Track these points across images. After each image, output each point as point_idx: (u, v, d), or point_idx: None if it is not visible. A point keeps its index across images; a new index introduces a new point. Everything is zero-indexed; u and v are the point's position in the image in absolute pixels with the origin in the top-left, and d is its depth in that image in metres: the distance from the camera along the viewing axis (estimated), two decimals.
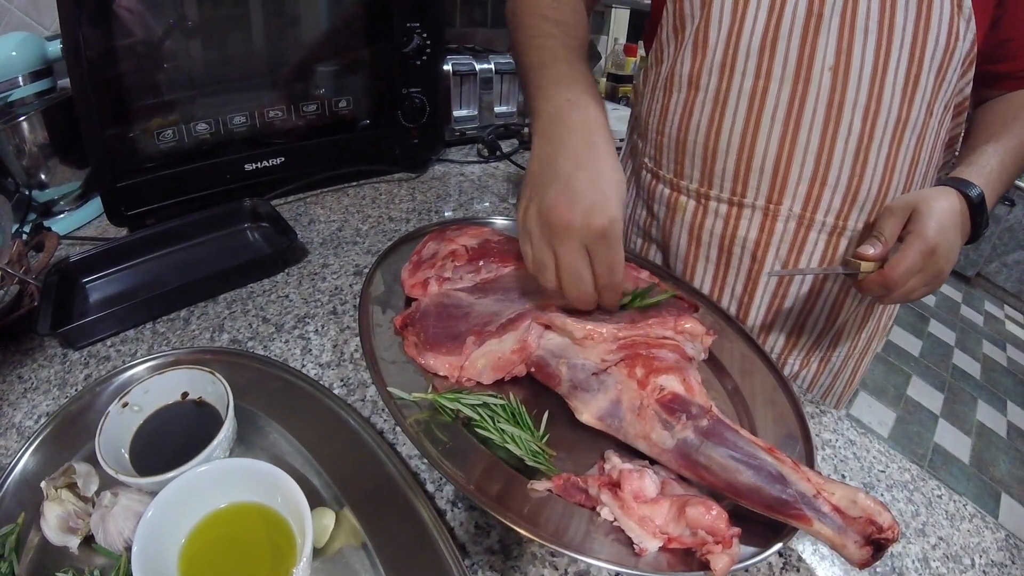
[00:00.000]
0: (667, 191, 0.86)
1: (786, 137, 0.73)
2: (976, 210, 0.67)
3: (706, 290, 0.85)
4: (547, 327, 0.60)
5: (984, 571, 0.57)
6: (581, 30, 0.77)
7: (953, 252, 0.65)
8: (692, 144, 0.80)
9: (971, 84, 0.75)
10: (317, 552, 0.49)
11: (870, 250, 0.66)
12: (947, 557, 0.58)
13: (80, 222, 1.03)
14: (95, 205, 1.05)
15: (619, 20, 2.06)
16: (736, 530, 0.45)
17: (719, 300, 0.84)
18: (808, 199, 0.75)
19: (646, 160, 0.89)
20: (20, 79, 0.96)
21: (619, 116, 1.46)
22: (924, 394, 2.98)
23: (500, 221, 0.89)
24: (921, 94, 0.70)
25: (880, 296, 0.67)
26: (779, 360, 0.89)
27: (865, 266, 0.66)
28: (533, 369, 0.60)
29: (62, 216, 1.02)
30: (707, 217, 0.82)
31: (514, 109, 1.46)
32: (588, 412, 0.55)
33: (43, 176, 0.99)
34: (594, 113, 0.60)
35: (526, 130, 1.44)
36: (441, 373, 0.61)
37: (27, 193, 0.98)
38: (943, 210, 0.64)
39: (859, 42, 0.68)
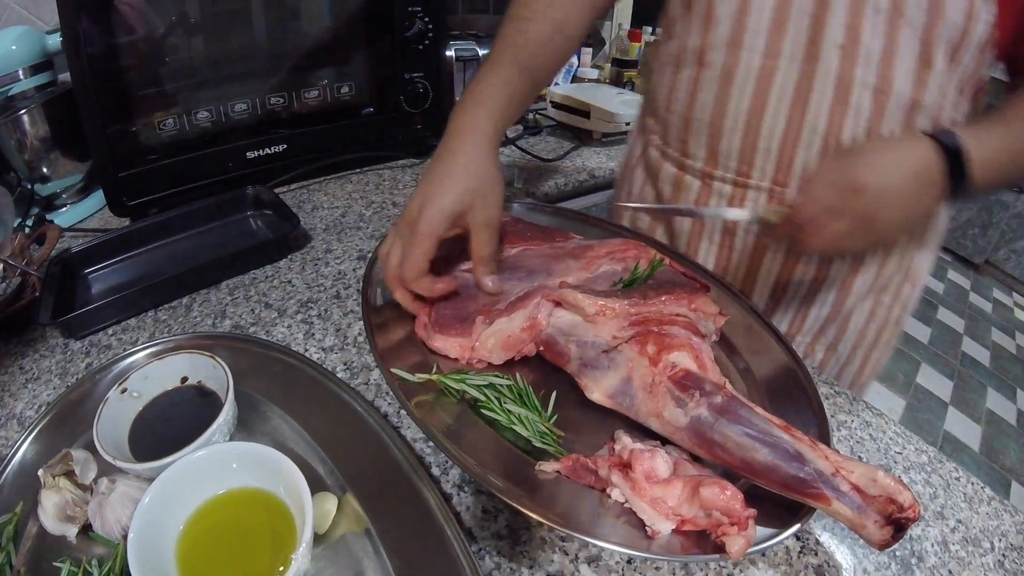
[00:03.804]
0: (673, 170, 0.84)
1: (794, 117, 0.71)
2: (953, 162, 0.61)
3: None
4: (557, 304, 0.59)
5: (1004, 555, 0.56)
6: (545, 24, 0.75)
7: (900, 199, 0.60)
8: (698, 122, 0.78)
9: (989, 67, 0.71)
10: (319, 538, 0.48)
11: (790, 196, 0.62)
12: (966, 540, 0.57)
13: (83, 214, 1.03)
14: (98, 197, 1.05)
15: (624, 6, 2.04)
16: (752, 511, 0.43)
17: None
18: None
19: (654, 137, 0.88)
20: (20, 73, 0.97)
21: (623, 100, 1.44)
22: (933, 382, 2.96)
23: None
24: (935, 76, 0.67)
25: (798, 240, 0.62)
26: None
27: (780, 213, 0.62)
28: (542, 348, 0.59)
29: (65, 209, 1.03)
30: (711, 198, 0.80)
31: None
32: (598, 390, 0.53)
33: (45, 169, 0.99)
34: (464, 143, 0.64)
35: (531, 116, 1.43)
36: (452, 356, 0.60)
37: (29, 187, 0.98)
38: (888, 150, 0.60)
39: (869, 19, 0.66)
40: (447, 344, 0.60)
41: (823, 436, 0.54)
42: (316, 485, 0.50)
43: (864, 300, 0.84)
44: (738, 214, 0.65)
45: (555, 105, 1.45)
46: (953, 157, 0.60)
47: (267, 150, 1.07)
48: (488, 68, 0.70)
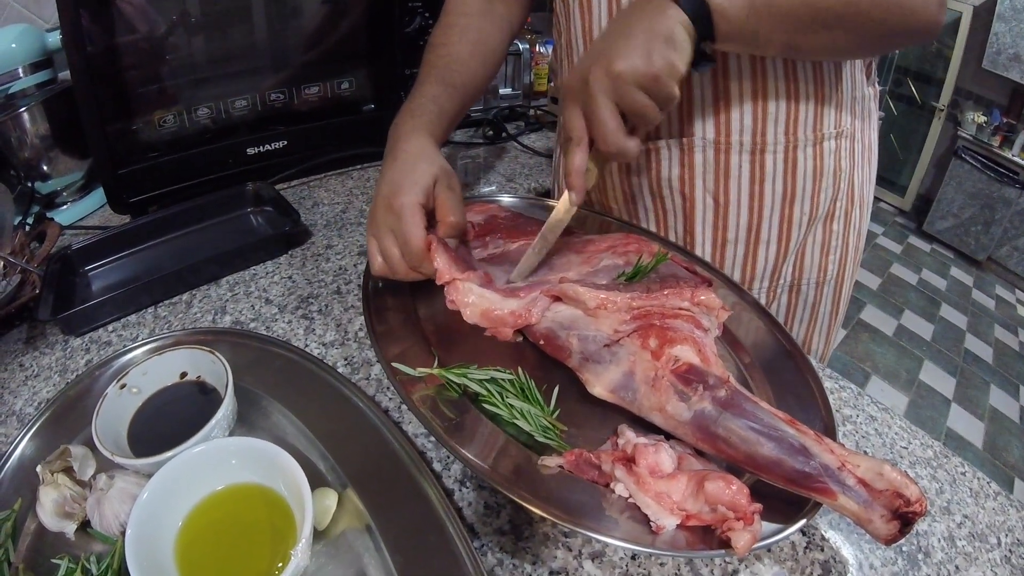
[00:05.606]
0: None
1: None
2: None
3: None
4: (556, 299, 0.58)
5: (1010, 550, 0.56)
6: (463, 46, 0.82)
7: (617, 42, 0.55)
8: None
9: None
10: (319, 535, 0.48)
11: None
12: (972, 536, 0.56)
13: (83, 212, 1.03)
14: (98, 195, 1.04)
15: None
16: (757, 506, 0.43)
17: None
18: (717, 123, 0.75)
19: None
20: (20, 71, 0.96)
21: None
22: (936, 379, 2.95)
23: (506, 199, 0.87)
24: None
25: (598, 139, 0.58)
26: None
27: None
28: (542, 342, 0.58)
29: (65, 207, 1.02)
30: (631, 167, 0.83)
31: (519, 91, 1.44)
32: (600, 385, 0.53)
33: (45, 167, 0.98)
34: (411, 143, 0.70)
35: (531, 112, 1.43)
36: (438, 267, 0.60)
37: (30, 185, 0.98)
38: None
39: None
40: (443, 259, 0.60)
41: (828, 430, 0.54)
42: (316, 480, 0.50)
43: (812, 231, 0.84)
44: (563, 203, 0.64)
45: (556, 101, 1.44)
46: None
47: (267, 146, 1.06)
48: (417, 87, 0.77)
